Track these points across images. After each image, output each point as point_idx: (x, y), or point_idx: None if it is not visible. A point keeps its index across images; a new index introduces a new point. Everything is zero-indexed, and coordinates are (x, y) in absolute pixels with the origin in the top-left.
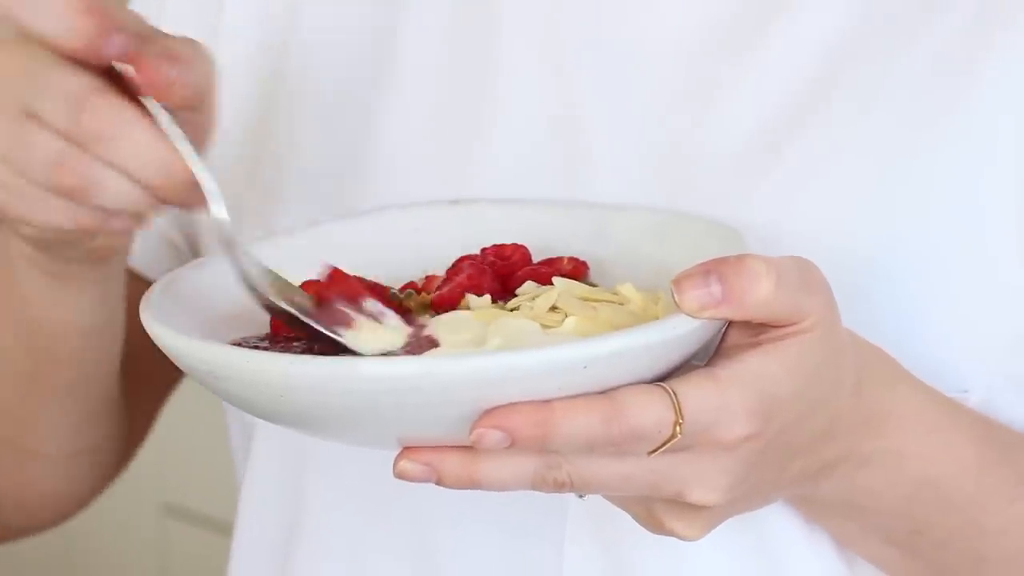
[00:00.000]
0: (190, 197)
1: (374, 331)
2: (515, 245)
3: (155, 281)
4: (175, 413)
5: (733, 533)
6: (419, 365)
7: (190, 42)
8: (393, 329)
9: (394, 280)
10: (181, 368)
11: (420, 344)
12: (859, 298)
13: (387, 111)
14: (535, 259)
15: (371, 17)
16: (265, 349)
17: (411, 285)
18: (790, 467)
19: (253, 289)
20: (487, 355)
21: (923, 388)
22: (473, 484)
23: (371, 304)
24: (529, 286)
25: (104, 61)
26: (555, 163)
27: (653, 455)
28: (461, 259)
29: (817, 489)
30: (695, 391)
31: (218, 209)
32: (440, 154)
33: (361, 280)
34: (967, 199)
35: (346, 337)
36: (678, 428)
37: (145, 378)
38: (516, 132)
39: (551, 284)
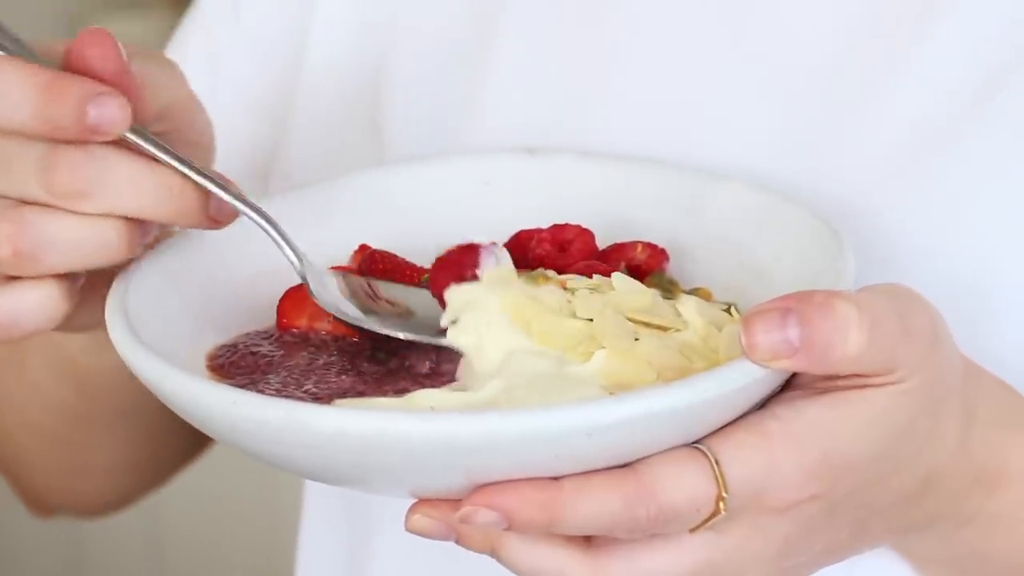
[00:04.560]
0: (213, 213)
1: None
2: (578, 228)
3: None
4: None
5: None
6: (378, 422)
7: (151, 56)
8: None
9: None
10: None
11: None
12: (974, 329)
13: (499, 57)
14: (612, 226)
15: None
16: (266, 355)
17: None
18: (868, 528)
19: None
20: (459, 416)
21: None
22: (495, 556)
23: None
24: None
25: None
26: (670, 129)
27: (694, 532)
28: (517, 235)
29: (910, 542)
30: (741, 454)
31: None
32: (551, 106)
33: (394, 258)
34: None
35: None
36: (722, 504)
37: None
38: (636, 102)
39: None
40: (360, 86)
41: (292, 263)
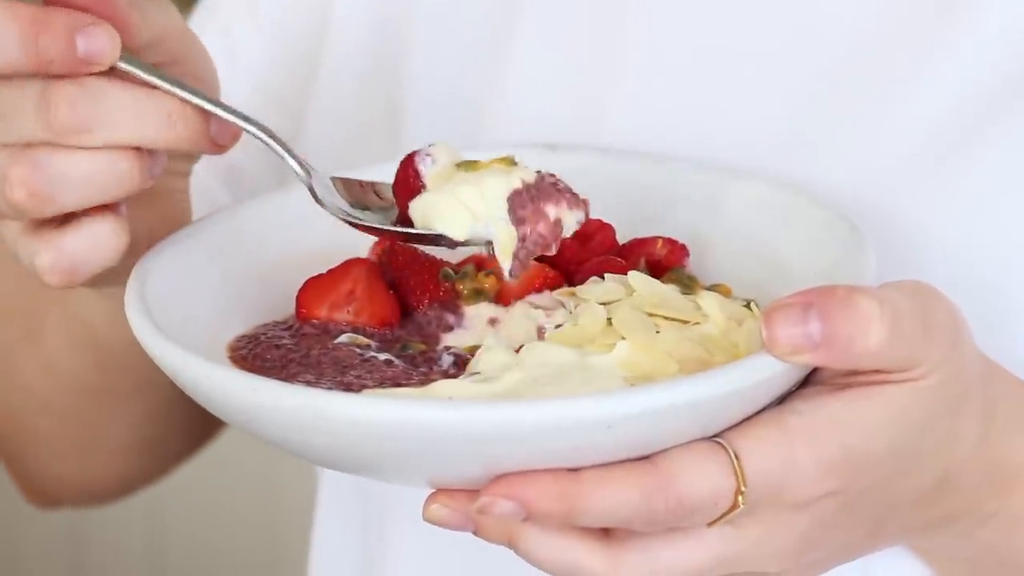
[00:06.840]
0: (215, 135)
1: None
2: (599, 222)
3: None
4: None
5: None
6: (396, 411)
7: None
8: None
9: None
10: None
11: None
12: (992, 327)
13: (516, 53)
14: (632, 223)
15: None
16: (288, 347)
17: (474, 259)
18: (886, 524)
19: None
20: (477, 406)
21: None
22: (512, 547)
23: None
24: (593, 284)
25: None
26: (687, 126)
27: (712, 526)
28: None
29: (928, 541)
30: (760, 448)
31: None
32: (568, 101)
33: (413, 252)
34: None
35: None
36: (740, 498)
37: None
38: (654, 99)
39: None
40: (379, 79)
41: (297, 173)
